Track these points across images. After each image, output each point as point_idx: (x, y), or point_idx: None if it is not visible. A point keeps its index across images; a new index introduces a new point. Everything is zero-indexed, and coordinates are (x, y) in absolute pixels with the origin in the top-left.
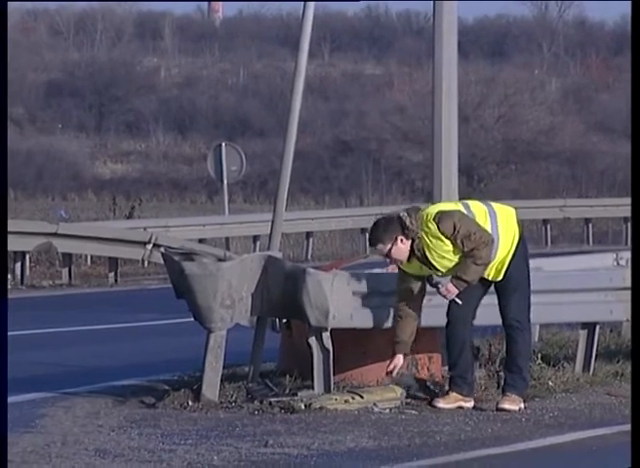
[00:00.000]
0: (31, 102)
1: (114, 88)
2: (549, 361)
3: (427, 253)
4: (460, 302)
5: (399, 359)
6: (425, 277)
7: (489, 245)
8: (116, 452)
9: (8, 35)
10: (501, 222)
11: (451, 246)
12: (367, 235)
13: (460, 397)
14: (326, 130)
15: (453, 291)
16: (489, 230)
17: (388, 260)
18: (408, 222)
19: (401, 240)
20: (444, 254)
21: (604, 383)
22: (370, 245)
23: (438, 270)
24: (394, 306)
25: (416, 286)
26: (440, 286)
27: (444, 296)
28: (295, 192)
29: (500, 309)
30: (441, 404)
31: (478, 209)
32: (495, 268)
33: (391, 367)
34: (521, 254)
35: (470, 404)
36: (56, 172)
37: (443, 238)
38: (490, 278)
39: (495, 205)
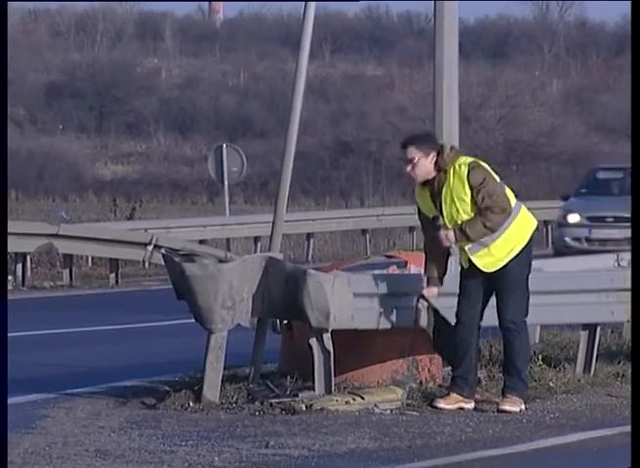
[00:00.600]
0: (32, 103)
1: (115, 89)
2: (550, 362)
3: (443, 192)
4: (453, 246)
5: (433, 290)
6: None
7: (504, 213)
8: (117, 453)
9: (8, 35)
10: (519, 219)
11: (468, 197)
12: (367, 236)
13: (461, 398)
14: (327, 130)
15: (451, 238)
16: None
17: (408, 168)
18: (446, 153)
19: (432, 158)
20: (457, 201)
21: (605, 384)
22: (403, 145)
23: (443, 216)
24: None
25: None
26: (442, 229)
27: (440, 240)
28: (295, 193)
29: (498, 311)
30: (442, 404)
31: (510, 191)
32: (490, 259)
33: (426, 293)
34: (524, 258)
35: (471, 405)
36: (56, 173)
37: (466, 185)
38: (482, 266)
39: (523, 205)
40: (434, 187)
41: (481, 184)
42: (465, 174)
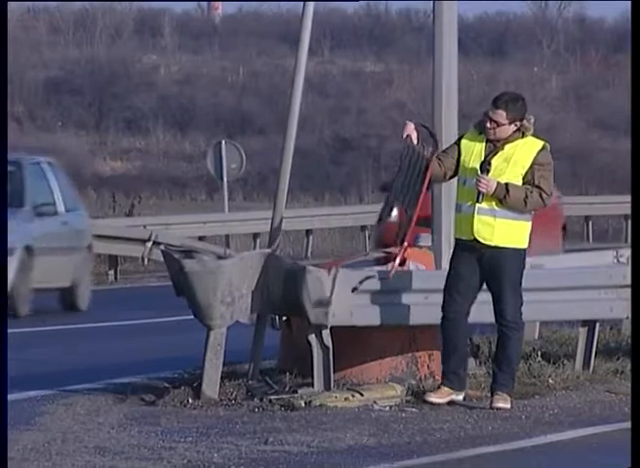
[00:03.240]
0: (31, 100)
1: (114, 85)
2: (549, 358)
3: (500, 151)
4: (483, 191)
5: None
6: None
7: (541, 201)
8: (116, 450)
9: (8, 33)
10: (528, 225)
11: (524, 169)
12: (366, 232)
13: (452, 391)
14: (326, 127)
15: (490, 188)
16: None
17: (489, 126)
18: (531, 122)
19: (515, 124)
20: (512, 164)
21: (604, 381)
22: (495, 105)
23: (480, 172)
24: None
25: (447, 164)
26: (485, 176)
27: (478, 183)
28: (294, 189)
29: (499, 310)
30: (433, 398)
31: None
32: (488, 230)
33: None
34: (522, 256)
35: (461, 396)
36: None
37: (531, 158)
38: (477, 232)
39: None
40: (494, 144)
41: (543, 166)
42: (537, 149)
